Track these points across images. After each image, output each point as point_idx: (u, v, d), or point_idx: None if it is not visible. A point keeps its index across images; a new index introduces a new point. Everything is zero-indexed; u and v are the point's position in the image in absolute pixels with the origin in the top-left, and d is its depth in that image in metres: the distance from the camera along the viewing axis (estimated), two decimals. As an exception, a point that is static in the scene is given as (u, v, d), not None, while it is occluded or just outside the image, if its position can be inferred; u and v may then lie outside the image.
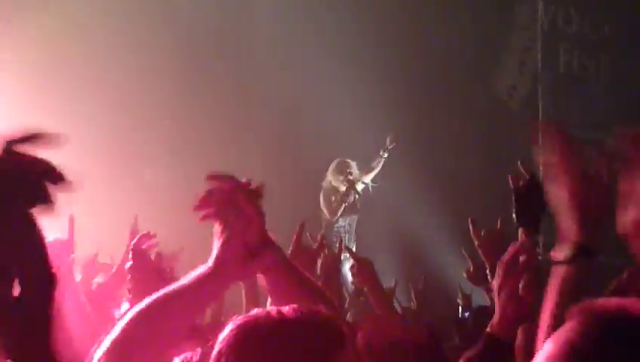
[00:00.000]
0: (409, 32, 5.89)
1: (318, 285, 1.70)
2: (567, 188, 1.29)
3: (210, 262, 1.35)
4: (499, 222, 2.42)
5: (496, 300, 1.75)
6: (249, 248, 1.35)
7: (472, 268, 2.60)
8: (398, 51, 5.91)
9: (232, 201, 1.36)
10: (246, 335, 1.18)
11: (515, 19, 5.82)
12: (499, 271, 1.77)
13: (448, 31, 5.95)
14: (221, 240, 1.35)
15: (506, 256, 1.74)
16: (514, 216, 1.90)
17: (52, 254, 0.77)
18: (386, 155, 5.85)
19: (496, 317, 1.74)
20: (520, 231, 1.89)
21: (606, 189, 1.28)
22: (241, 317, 1.20)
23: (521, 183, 1.92)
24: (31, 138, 0.71)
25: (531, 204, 1.86)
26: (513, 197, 1.98)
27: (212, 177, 1.42)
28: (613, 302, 0.89)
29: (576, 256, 1.28)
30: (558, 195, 1.31)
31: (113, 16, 5.94)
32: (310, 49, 5.97)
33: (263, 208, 1.36)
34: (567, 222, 1.30)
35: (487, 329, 1.75)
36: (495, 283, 1.82)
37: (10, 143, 0.71)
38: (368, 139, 5.97)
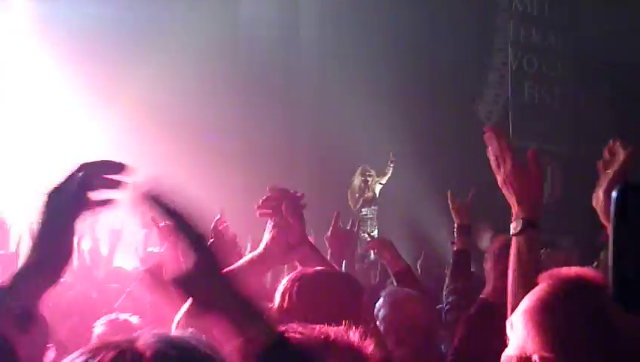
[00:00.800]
0: (417, 73, 7.79)
1: (336, 268, 2.13)
2: (503, 176, 1.47)
3: (260, 249, 1.74)
4: (469, 195, 3.08)
5: (489, 276, 2.22)
6: (290, 244, 1.72)
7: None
8: (405, 85, 7.69)
9: (280, 208, 1.73)
10: (301, 280, 1.59)
11: (491, 63, 7.79)
12: (490, 256, 2.31)
13: (446, 71, 7.88)
14: (270, 234, 1.73)
15: (497, 245, 2.27)
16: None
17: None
18: (392, 165, 7.73)
19: (489, 287, 2.18)
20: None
21: (538, 179, 1.51)
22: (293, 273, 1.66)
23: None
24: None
25: None
26: None
27: (271, 188, 1.81)
28: (573, 270, 1.13)
29: (524, 228, 1.47)
30: (500, 182, 1.49)
31: (196, 66, 7.76)
32: (338, 85, 7.67)
33: (303, 215, 1.75)
34: (511, 203, 1.49)
35: (482, 296, 2.15)
36: (487, 265, 2.34)
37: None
38: (382, 151, 7.76)
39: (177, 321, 1.35)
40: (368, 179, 7.63)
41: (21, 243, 3.24)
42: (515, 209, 1.50)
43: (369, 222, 7.32)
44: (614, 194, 0.59)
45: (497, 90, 7.71)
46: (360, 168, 7.81)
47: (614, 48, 7.38)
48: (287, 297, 1.55)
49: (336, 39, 8.37)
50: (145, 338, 0.76)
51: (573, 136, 7.63)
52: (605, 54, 7.37)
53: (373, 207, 7.57)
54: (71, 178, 1.04)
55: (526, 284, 1.27)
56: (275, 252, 1.73)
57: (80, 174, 1.04)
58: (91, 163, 1.06)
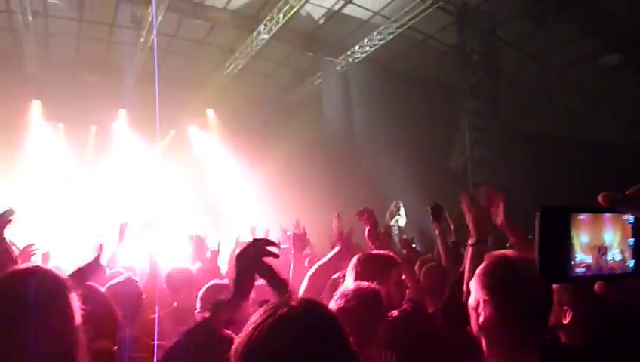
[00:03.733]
0: (417, 142, 13.55)
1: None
2: (467, 214, 2.59)
3: (339, 248, 3.47)
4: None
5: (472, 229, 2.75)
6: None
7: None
8: (410, 148, 13.51)
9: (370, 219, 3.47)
10: (361, 256, 2.94)
11: (457, 137, 13.30)
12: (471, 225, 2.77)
13: (433, 140, 13.29)
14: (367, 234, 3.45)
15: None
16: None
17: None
18: (401, 205, 13.33)
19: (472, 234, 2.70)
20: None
21: (485, 213, 2.57)
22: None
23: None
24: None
25: None
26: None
27: (362, 210, 3.59)
28: (499, 252, 1.89)
29: (476, 242, 2.52)
30: (466, 218, 2.59)
31: (299, 147, 13.86)
32: (375, 148, 13.56)
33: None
34: (471, 228, 2.57)
35: (469, 242, 2.63)
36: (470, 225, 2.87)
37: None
38: (400, 187, 13.63)
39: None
40: (398, 207, 13.53)
41: (216, 259, 5.05)
42: (471, 231, 2.58)
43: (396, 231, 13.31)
44: (537, 214, 0.76)
45: (463, 146, 13.12)
46: (394, 201, 13.64)
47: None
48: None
49: (372, 121, 13.16)
50: (294, 301, 1.29)
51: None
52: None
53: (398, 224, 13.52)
54: (250, 246, 1.85)
55: (474, 268, 1.99)
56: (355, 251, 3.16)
57: (255, 246, 1.86)
58: (260, 240, 1.90)
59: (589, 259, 0.80)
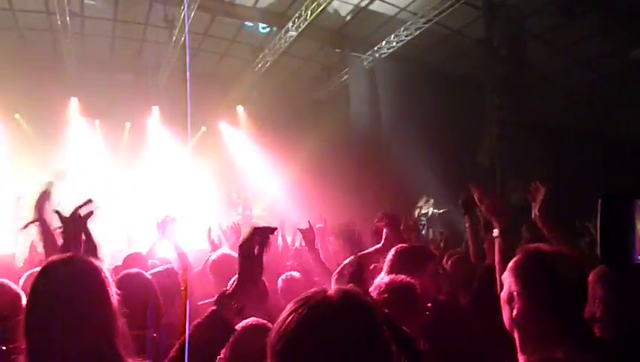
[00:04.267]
0: (444, 138, 13.60)
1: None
2: (482, 207, 2.77)
3: (381, 244, 3.56)
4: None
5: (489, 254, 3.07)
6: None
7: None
8: (436, 142, 13.50)
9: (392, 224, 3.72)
10: (398, 248, 3.00)
11: (484, 132, 13.28)
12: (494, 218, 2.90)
13: (461, 136, 13.31)
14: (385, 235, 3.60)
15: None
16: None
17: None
18: (430, 199, 13.46)
19: (489, 260, 2.97)
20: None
21: (498, 202, 2.77)
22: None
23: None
24: None
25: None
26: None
27: (383, 214, 3.84)
28: (534, 245, 1.82)
29: (501, 233, 2.58)
30: (484, 210, 2.80)
31: (328, 142, 14.08)
32: (402, 145, 13.72)
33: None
34: (492, 220, 2.67)
35: (494, 234, 2.74)
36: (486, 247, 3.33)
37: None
38: (428, 183, 13.65)
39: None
40: (427, 202, 13.54)
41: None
42: (494, 223, 2.64)
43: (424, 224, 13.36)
44: (600, 200, 0.74)
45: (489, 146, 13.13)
46: (424, 196, 13.67)
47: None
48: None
49: (399, 117, 13.24)
50: (330, 290, 1.29)
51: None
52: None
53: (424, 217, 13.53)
54: (256, 232, 1.87)
55: (505, 260, 2.04)
56: (389, 247, 3.10)
57: (256, 234, 1.87)
58: (261, 228, 1.88)
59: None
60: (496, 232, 2.61)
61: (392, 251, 2.98)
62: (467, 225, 4.08)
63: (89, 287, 1.69)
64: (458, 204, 4.27)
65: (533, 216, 2.77)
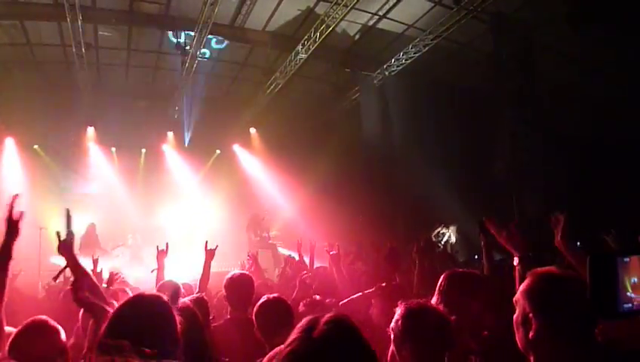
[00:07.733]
0: (459, 154, 13.60)
1: None
2: (500, 239, 2.92)
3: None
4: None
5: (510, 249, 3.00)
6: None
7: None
8: (453, 160, 13.55)
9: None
10: (448, 273, 3.02)
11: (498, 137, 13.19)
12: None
13: (478, 152, 13.29)
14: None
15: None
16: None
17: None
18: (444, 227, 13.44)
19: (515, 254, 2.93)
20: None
21: (515, 232, 2.87)
22: None
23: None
24: None
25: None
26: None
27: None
28: (545, 269, 1.89)
29: (520, 260, 2.74)
30: (502, 241, 2.94)
31: (340, 161, 14.29)
32: (412, 156, 13.66)
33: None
34: (511, 248, 2.82)
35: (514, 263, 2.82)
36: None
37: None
38: (446, 200, 13.58)
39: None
40: (447, 229, 13.48)
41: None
42: (514, 252, 2.81)
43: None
44: (588, 260, 0.87)
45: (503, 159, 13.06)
46: (442, 224, 13.37)
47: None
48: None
49: (411, 133, 13.19)
50: (328, 314, 1.45)
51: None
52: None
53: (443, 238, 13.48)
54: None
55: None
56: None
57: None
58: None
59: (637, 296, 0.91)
60: (516, 261, 2.71)
61: (443, 276, 2.97)
62: (482, 243, 4.11)
63: (162, 320, 2.04)
64: (475, 220, 4.30)
65: (555, 242, 2.87)
